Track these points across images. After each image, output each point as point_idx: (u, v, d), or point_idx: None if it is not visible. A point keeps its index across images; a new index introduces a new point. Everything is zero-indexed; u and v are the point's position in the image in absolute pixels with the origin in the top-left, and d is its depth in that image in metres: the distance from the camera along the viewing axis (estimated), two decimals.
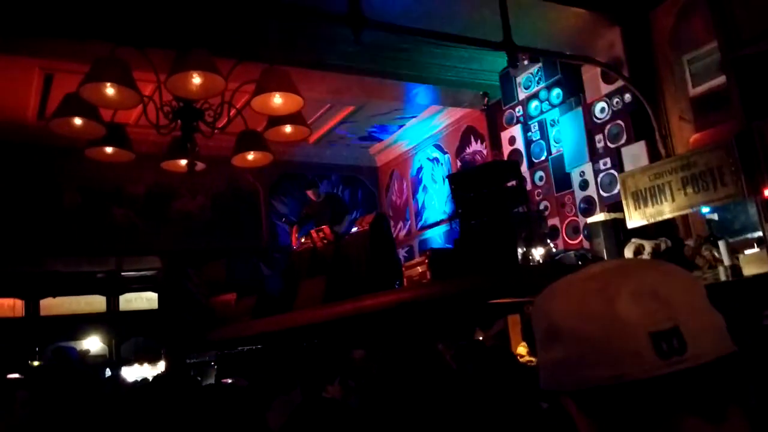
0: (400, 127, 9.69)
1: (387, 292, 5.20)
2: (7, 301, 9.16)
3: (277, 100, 4.22)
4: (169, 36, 4.81)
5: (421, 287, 4.94)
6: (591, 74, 6.39)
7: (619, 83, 6.02)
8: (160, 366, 8.49)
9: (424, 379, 3.41)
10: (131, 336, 9.69)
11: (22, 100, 7.44)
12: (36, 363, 8.91)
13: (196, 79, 3.95)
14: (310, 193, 7.81)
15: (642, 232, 5.31)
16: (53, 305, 9.41)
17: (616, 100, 6.09)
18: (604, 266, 0.74)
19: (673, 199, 5.04)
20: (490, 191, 5.41)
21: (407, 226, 10.03)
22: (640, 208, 5.31)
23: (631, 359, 0.66)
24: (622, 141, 6.01)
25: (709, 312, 0.71)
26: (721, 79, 5.32)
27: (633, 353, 0.66)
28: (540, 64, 6.89)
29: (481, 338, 5.82)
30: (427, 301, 4.85)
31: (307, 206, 7.97)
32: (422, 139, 9.77)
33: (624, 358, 0.66)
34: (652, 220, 5.21)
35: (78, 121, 4.18)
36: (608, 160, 6.12)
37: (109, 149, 4.55)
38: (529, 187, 6.84)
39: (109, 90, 3.90)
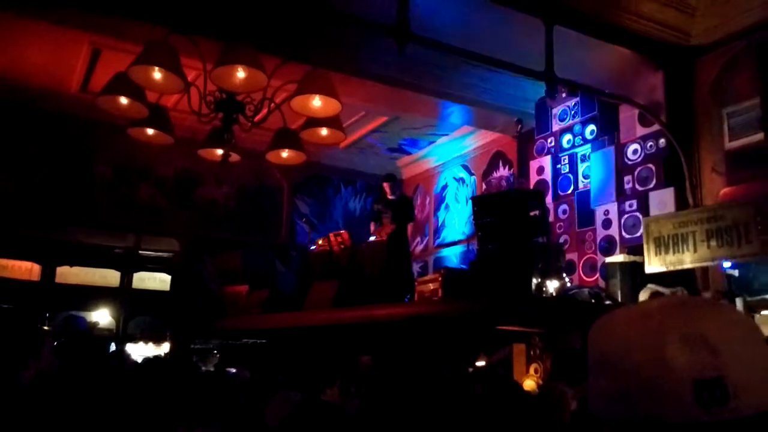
0: (431, 143, 9.73)
1: (397, 304, 5.22)
2: (26, 264, 9.32)
3: (317, 102, 4.29)
4: (219, 27, 4.91)
5: (432, 304, 4.96)
6: (628, 114, 6.38)
7: (656, 127, 6.01)
8: (164, 347, 8.58)
9: (425, 394, 3.42)
10: (140, 314, 9.79)
11: (67, 71, 7.60)
12: (46, 328, 9.05)
13: (241, 73, 4.04)
14: (386, 186, 7.46)
15: (660, 278, 5.28)
16: (69, 274, 9.56)
17: (650, 143, 6.07)
18: (662, 303, 0.74)
19: (696, 250, 5.01)
20: (512, 218, 5.42)
21: (425, 242, 10.04)
22: (660, 254, 5.28)
23: (671, 403, 0.67)
24: (651, 185, 5.98)
25: (762, 363, 0.70)
26: (758, 136, 5.29)
27: (674, 397, 0.67)
28: (578, 98, 6.90)
29: (483, 363, 5.81)
30: (436, 319, 4.86)
31: (380, 202, 7.62)
32: (451, 158, 9.79)
33: (665, 401, 0.67)
34: (671, 268, 5.18)
35: (124, 100, 4.30)
36: (635, 202, 6.10)
37: (150, 131, 4.66)
38: (551, 218, 6.83)
39: (157, 74, 4.01)
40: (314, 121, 4.60)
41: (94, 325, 9.14)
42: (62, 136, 8.51)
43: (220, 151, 4.65)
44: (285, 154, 4.86)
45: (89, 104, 4.56)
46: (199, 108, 4.26)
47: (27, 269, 9.38)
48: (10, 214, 8.34)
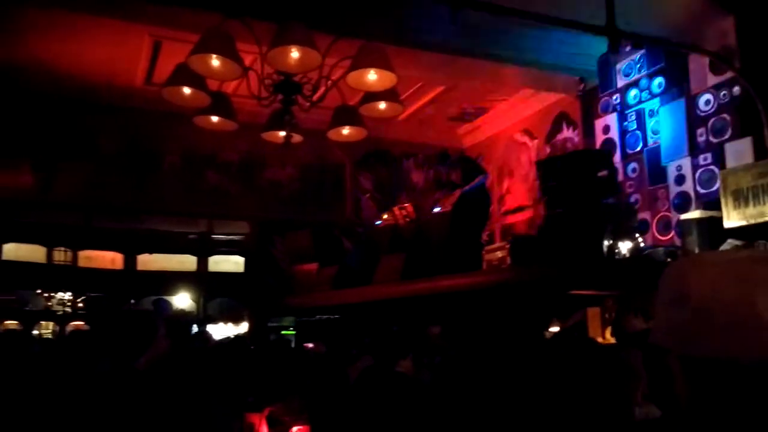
0: (490, 109, 9.56)
1: (464, 274, 5.21)
2: (109, 254, 9.85)
3: (372, 76, 4.29)
4: (271, 8, 4.95)
5: (500, 272, 4.91)
6: (698, 64, 6.06)
7: (729, 75, 5.68)
8: (243, 326, 8.91)
9: (502, 362, 3.43)
10: (217, 296, 10.19)
11: (131, 66, 7.87)
12: None
13: (295, 54, 4.07)
14: (441, 169, 7.00)
15: (740, 233, 5.03)
16: (149, 261, 10.04)
17: (723, 92, 5.76)
18: (749, 255, 0.80)
19: None
20: (579, 180, 5.27)
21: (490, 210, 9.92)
22: (739, 207, 5.03)
23: (754, 346, 0.71)
24: (727, 136, 5.69)
25: None
26: None
27: (756, 341, 0.71)
28: (643, 51, 6.60)
29: (557, 329, 5.74)
30: (505, 287, 4.82)
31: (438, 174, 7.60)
32: (512, 123, 9.60)
33: (747, 343, 0.71)
34: (752, 221, 4.94)
35: (187, 90, 4.42)
36: (709, 155, 5.82)
37: (214, 118, 4.78)
38: (620, 178, 6.61)
39: (215, 62, 4.10)
40: (371, 96, 4.60)
41: (179, 312, 9.59)
42: (131, 129, 8.86)
43: (282, 133, 4.73)
44: (346, 131, 4.89)
45: (154, 96, 4.72)
46: (259, 92, 4.33)
47: (110, 259, 9.91)
48: (89, 208, 8.80)
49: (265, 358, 4.73)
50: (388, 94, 4.56)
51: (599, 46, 5.72)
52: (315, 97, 4.53)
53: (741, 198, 5.03)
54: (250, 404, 3.46)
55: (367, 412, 3.45)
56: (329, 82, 4.57)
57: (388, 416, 3.36)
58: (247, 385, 3.86)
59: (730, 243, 5.03)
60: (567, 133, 8.55)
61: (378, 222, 7.53)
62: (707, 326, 0.73)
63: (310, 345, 5.83)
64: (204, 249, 10.30)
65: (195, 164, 9.24)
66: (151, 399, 2.21)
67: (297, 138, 4.74)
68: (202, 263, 10.21)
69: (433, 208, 7.37)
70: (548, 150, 8.80)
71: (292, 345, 7.18)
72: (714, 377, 0.73)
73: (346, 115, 4.87)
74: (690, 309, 0.75)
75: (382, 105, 4.67)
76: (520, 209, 9.25)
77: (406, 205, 6.90)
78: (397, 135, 10.00)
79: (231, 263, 10.37)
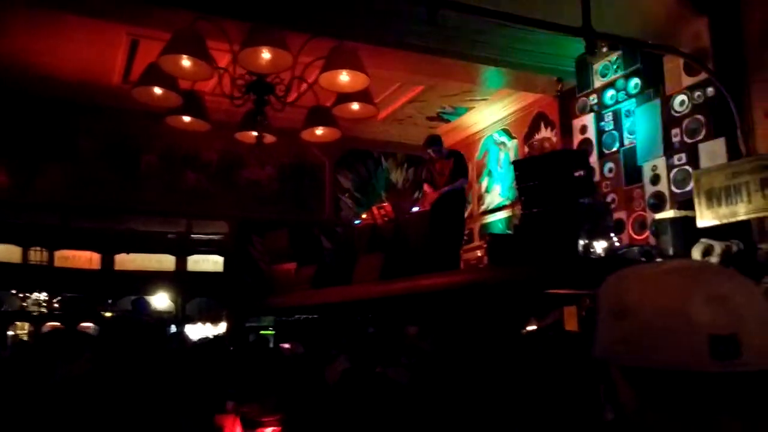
0: (469, 109, 9.60)
1: (442, 273, 5.23)
2: (86, 254, 9.71)
3: (344, 77, 4.29)
4: (245, 7, 4.92)
5: (478, 271, 4.95)
6: (673, 65, 6.13)
7: (703, 76, 5.76)
8: (221, 326, 8.85)
9: (480, 362, 3.45)
10: (196, 296, 10.11)
11: (108, 64, 7.78)
12: (108, 314, 9.46)
13: (266, 55, 4.06)
14: (431, 151, 6.89)
15: (713, 232, 5.11)
16: (126, 261, 9.91)
17: (697, 93, 5.83)
18: (683, 264, 0.82)
19: (750, 201, 4.82)
20: (556, 179, 5.32)
21: (468, 209, 9.98)
22: (713, 207, 5.10)
23: (689, 353, 0.73)
24: (701, 136, 5.76)
25: None
26: None
27: (692, 348, 0.73)
28: (619, 52, 6.66)
29: (534, 327, 5.78)
30: (483, 286, 4.85)
31: (427, 166, 7.17)
32: (491, 123, 9.64)
33: (683, 351, 0.73)
34: (725, 221, 5.00)
35: (158, 90, 4.39)
36: (684, 155, 5.89)
37: (186, 118, 4.75)
38: (597, 178, 6.67)
39: (185, 62, 4.07)
40: (345, 97, 4.59)
41: (156, 312, 9.50)
42: (110, 129, 8.78)
43: (255, 133, 4.71)
44: (320, 131, 4.89)
45: (131, 95, 4.67)
46: (231, 91, 4.31)
47: (87, 259, 9.77)
48: (66, 207, 8.70)
49: (242, 358, 4.70)
50: (361, 95, 4.56)
51: (577, 47, 5.77)
52: (290, 98, 4.51)
53: (714, 198, 5.10)
54: (224, 405, 3.44)
55: (346, 413, 3.45)
56: (303, 83, 4.56)
57: (368, 417, 3.36)
58: (223, 386, 3.83)
59: (703, 242, 5.10)
60: (545, 132, 8.61)
61: (357, 221, 7.56)
62: (646, 337, 0.75)
63: (287, 345, 5.81)
64: (183, 249, 10.21)
65: (174, 164, 9.17)
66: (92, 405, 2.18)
67: (270, 138, 4.73)
68: (181, 263, 10.12)
69: (412, 208, 7.40)
70: (526, 150, 8.86)
71: (271, 345, 7.15)
72: (657, 386, 0.75)
73: (320, 115, 4.87)
74: (628, 321, 0.77)
75: (355, 106, 4.68)
76: (498, 208, 9.30)
77: (385, 204, 6.92)
78: (376, 135, 10.02)
79: (210, 263, 10.31)
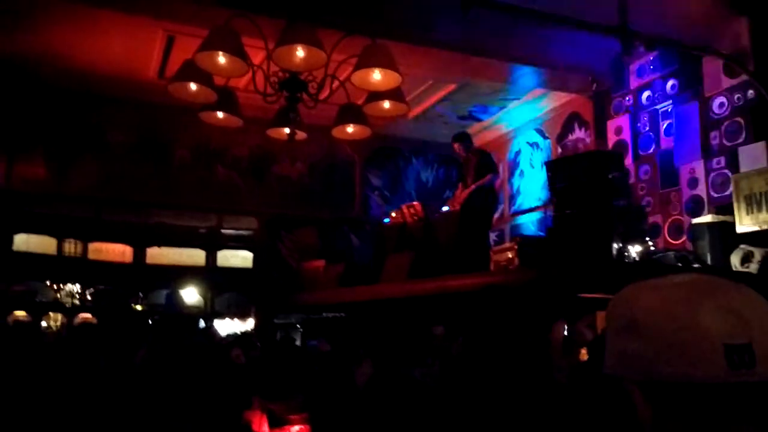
0: (502, 108, 9.49)
1: (471, 274, 5.18)
2: (119, 247, 9.86)
3: (376, 75, 4.27)
4: (281, 5, 4.94)
5: (507, 273, 4.88)
6: (712, 66, 5.98)
7: (743, 77, 5.61)
8: (250, 322, 8.92)
9: (508, 365, 3.40)
10: (225, 291, 10.19)
11: (144, 60, 7.88)
12: (139, 307, 9.60)
13: (300, 53, 4.06)
14: (456, 146, 6.99)
15: (752, 238, 4.97)
16: (158, 255, 10.04)
17: (737, 95, 5.68)
18: (692, 278, 0.81)
19: None
20: (589, 181, 5.22)
21: (500, 210, 9.88)
22: (752, 212, 4.97)
23: (703, 364, 0.72)
24: (740, 140, 5.61)
25: None
26: None
27: (707, 359, 0.72)
28: (656, 52, 6.53)
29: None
30: (513, 288, 4.78)
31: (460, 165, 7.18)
32: (523, 123, 9.53)
33: (698, 362, 0.73)
34: (765, 227, 4.87)
35: (193, 86, 4.42)
36: (722, 159, 5.75)
37: (220, 114, 4.78)
38: (632, 180, 6.55)
39: (221, 59, 4.10)
40: (376, 95, 4.58)
41: (187, 306, 9.61)
42: (143, 123, 8.90)
43: (287, 130, 4.72)
44: (350, 129, 4.88)
45: (165, 91, 4.73)
46: (264, 88, 4.33)
47: (120, 252, 9.93)
48: (99, 200, 8.85)
49: (270, 355, 4.72)
50: (393, 94, 4.54)
51: (613, 46, 5.66)
52: (321, 96, 4.52)
53: (754, 202, 4.97)
54: (251, 402, 3.45)
55: (373, 414, 3.43)
56: (335, 80, 4.55)
57: (394, 418, 3.34)
58: (250, 383, 3.85)
59: (742, 248, 4.96)
60: (579, 133, 8.48)
61: (386, 220, 7.54)
62: (659, 351, 0.75)
63: (314, 342, 5.83)
64: (213, 243, 10.30)
65: (205, 158, 9.26)
66: (144, 393, 2.23)
67: (301, 135, 4.74)
68: (211, 258, 10.22)
69: (441, 207, 7.35)
70: (559, 150, 8.74)
71: (297, 343, 7.18)
72: (673, 399, 0.75)
73: (351, 113, 4.86)
74: (640, 335, 0.77)
75: (386, 104, 4.65)
76: (530, 209, 9.20)
77: (415, 203, 6.89)
78: (407, 133, 9.98)
79: (239, 258, 10.38)
